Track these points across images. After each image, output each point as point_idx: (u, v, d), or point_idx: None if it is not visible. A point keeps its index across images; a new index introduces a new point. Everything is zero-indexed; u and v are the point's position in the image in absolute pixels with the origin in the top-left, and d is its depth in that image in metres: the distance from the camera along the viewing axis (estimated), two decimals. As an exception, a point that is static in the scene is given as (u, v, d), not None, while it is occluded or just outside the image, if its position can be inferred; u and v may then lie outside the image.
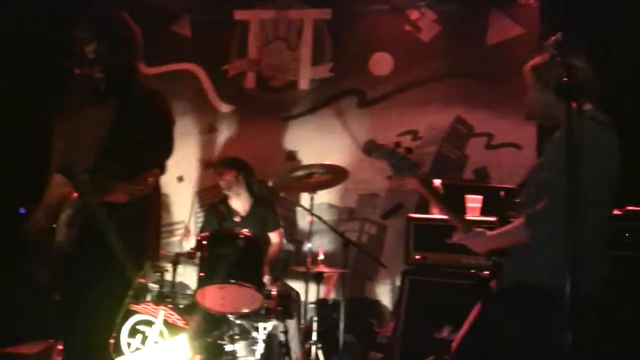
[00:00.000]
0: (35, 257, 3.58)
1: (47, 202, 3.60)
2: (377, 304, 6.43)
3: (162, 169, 3.41)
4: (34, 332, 5.51)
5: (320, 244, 6.11)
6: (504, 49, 6.30)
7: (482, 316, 3.19)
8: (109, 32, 3.48)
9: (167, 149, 3.50)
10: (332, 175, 5.42)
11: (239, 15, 7.03)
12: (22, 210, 5.16)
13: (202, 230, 5.99)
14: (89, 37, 3.47)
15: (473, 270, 3.51)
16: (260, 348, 5.21)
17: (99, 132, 3.40)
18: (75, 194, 3.46)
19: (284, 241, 6.24)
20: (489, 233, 3.18)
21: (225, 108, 6.98)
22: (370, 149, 3.56)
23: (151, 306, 5.01)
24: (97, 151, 3.37)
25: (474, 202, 5.02)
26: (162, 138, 3.48)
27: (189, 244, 5.53)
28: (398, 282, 5.98)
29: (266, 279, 5.25)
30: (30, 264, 3.58)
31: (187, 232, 5.67)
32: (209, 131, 6.99)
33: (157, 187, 3.56)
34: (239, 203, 5.85)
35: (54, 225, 3.44)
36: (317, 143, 6.67)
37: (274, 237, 5.88)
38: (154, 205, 3.50)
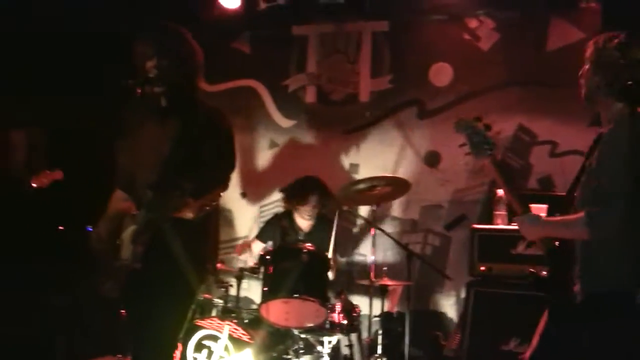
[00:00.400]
0: (102, 272, 3.66)
1: (108, 215, 3.69)
2: (442, 316, 6.36)
3: (225, 186, 3.44)
4: (104, 348, 5.62)
5: (383, 257, 6.09)
6: (565, 54, 6.17)
7: (552, 330, 3.11)
8: (170, 48, 3.53)
9: (230, 166, 3.54)
10: (394, 188, 5.40)
11: (298, 30, 7.08)
12: (89, 228, 5.27)
13: (258, 237, 6.01)
14: (151, 53, 3.53)
15: (532, 270, 3.39)
16: (325, 362, 5.22)
17: (160, 149, 3.45)
18: (135, 210, 3.54)
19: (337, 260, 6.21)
20: (546, 218, 3.11)
21: (286, 123, 7.02)
22: (456, 124, 3.46)
23: (216, 321, 5.06)
24: (160, 168, 3.42)
25: (539, 212, 4.93)
26: (225, 155, 3.52)
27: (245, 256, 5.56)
28: (463, 294, 5.93)
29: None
30: (97, 279, 3.66)
31: (244, 246, 5.70)
32: (271, 147, 7.04)
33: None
34: (304, 221, 5.83)
35: (118, 241, 3.51)
36: (378, 155, 6.65)
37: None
38: (213, 219, 3.55)
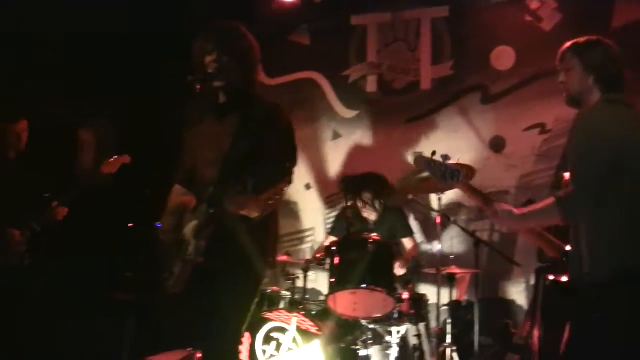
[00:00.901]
0: (168, 266, 3.68)
1: (169, 210, 3.72)
2: (511, 304, 6.27)
3: (289, 180, 3.40)
4: (175, 341, 5.69)
5: (450, 245, 6.02)
6: (630, 32, 5.99)
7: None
8: (229, 44, 3.54)
9: (292, 159, 3.52)
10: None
11: (356, 20, 7.05)
12: (158, 225, 5.35)
13: (330, 233, 6.03)
14: (210, 49, 3.55)
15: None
16: (394, 352, 5.19)
17: (220, 145, 3.47)
18: (194, 203, 3.57)
19: (418, 244, 6.19)
20: (517, 211, 3.14)
21: (348, 114, 7.00)
22: (414, 161, 3.63)
23: (284, 313, 5.09)
24: (221, 164, 3.44)
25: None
26: (286, 149, 3.50)
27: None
28: (532, 281, 5.84)
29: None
30: (164, 273, 3.69)
31: (321, 250, 5.73)
32: (334, 138, 7.03)
33: None
34: (368, 212, 5.82)
35: (181, 237, 3.54)
36: (441, 143, 6.56)
37: (407, 243, 5.83)
38: (274, 213, 3.54)
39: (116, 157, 5.23)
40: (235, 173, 3.31)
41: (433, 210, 5.62)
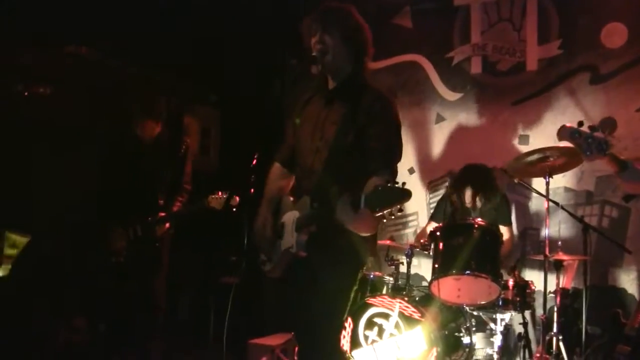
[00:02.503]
0: (265, 251, 3.70)
1: (268, 196, 3.72)
2: (622, 292, 6.04)
3: (394, 174, 3.29)
4: (279, 324, 5.76)
5: (557, 231, 5.85)
6: None
7: None
8: (333, 24, 3.50)
9: (399, 154, 3.45)
10: (568, 158, 5.14)
11: (459, 0, 6.90)
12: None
13: (432, 218, 5.96)
14: (314, 30, 3.53)
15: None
16: (498, 340, 5.13)
17: (326, 133, 3.44)
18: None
19: (516, 235, 6.06)
20: None
21: (452, 96, 6.88)
22: (558, 132, 3.47)
23: (387, 299, 5.06)
24: (327, 155, 3.42)
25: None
26: (395, 142, 3.43)
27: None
28: (645, 268, 5.65)
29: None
30: (261, 258, 3.72)
31: (421, 235, 5.67)
32: (437, 121, 6.93)
33: None
34: (470, 197, 5.72)
35: (281, 223, 3.55)
36: (549, 125, 6.36)
37: (505, 232, 5.70)
38: None
39: (224, 196, 5.23)
40: (342, 167, 3.27)
41: (540, 194, 5.46)
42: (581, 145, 3.34)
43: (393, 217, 2.99)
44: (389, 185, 2.90)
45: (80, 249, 5.76)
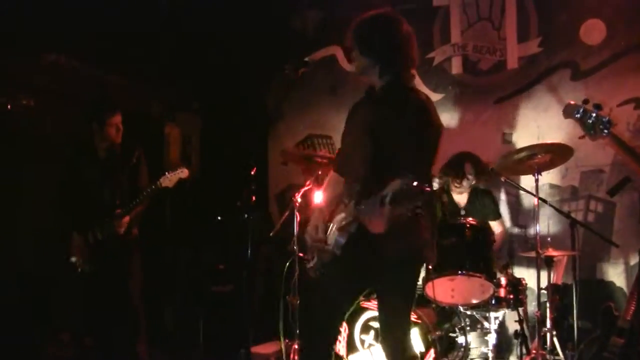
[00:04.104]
0: (311, 251, 3.72)
1: (327, 202, 3.71)
2: (611, 285, 6.09)
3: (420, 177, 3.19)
4: (271, 333, 5.73)
5: (547, 227, 5.87)
6: None
7: None
8: (354, 38, 3.58)
9: (433, 160, 3.52)
10: (555, 155, 5.17)
11: (439, 1, 6.92)
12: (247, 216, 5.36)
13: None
14: (352, 38, 3.59)
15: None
16: (492, 338, 5.13)
17: (367, 140, 3.44)
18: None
19: (506, 227, 6.08)
20: None
21: (434, 97, 6.82)
22: (564, 109, 3.51)
23: (382, 302, 5.03)
24: (372, 158, 3.41)
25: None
26: (434, 148, 3.49)
27: None
28: (632, 261, 5.67)
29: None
30: (310, 260, 3.72)
31: None
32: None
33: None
34: (460, 196, 5.73)
35: (330, 226, 3.56)
36: (532, 122, 6.42)
37: (496, 226, 5.72)
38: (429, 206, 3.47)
39: (174, 172, 5.20)
40: (380, 173, 3.26)
41: (527, 192, 5.47)
42: (585, 123, 3.37)
43: (410, 214, 3.07)
44: (412, 183, 2.96)
45: (49, 260, 5.70)
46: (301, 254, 4.62)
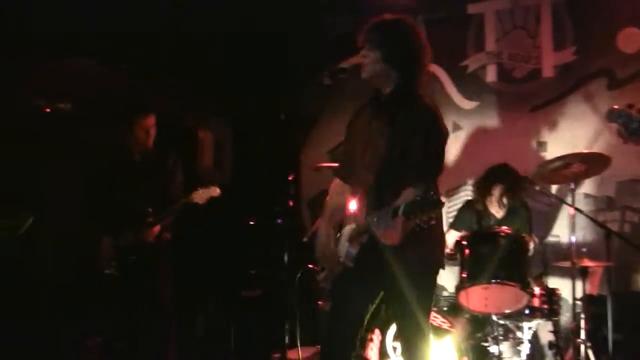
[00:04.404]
0: (322, 261, 3.70)
1: (330, 210, 3.71)
2: (646, 297, 6.01)
3: (431, 187, 3.14)
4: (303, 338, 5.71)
5: (582, 237, 5.81)
6: None
7: None
8: (379, 40, 3.49)
9: (438, 167, 3.41)
10: (591, 164, 5.12)
11: (473, 9, 6.88)
12: (279, 221, 5.36)
13: (452, 226, 5.89)
14: (364, 45, 3.54)
15: None
16: (525, 349, 5.08)
17: (376, 148, 3.42)
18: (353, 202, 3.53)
19: (537, 242, 6.01)
20: None
21: (468, 105, 6.86)
22: (607, 113, 3.46)
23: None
24: (378, 170, 3.39)
25: None
26: (435, 155, 3.38)
27: None
28: (669, 273, 5.60)
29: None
30: (318, 269, 3.70)
31: None
32: (454, 130, 6.87)
33: None
34: (496, 205, 5.67)
35: (339, 235, 3.53)
36: (567, 131, 6.35)
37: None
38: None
39: (206, 189, 5.20)
40: (392, 180, 3.23)
41: (565, 202, 5.41)
42: (628, 127, 3.31)
43: (425, 226, 2.98)
44: (425, 194, 2.91)
45: (79, 263, 5.74)
46: (311, 265, 4.59)
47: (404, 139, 3.31)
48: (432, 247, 3.42)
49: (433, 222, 2.98)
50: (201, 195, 5.15)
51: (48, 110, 5.68)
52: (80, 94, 6.00)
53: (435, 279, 3.58)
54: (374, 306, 3.68)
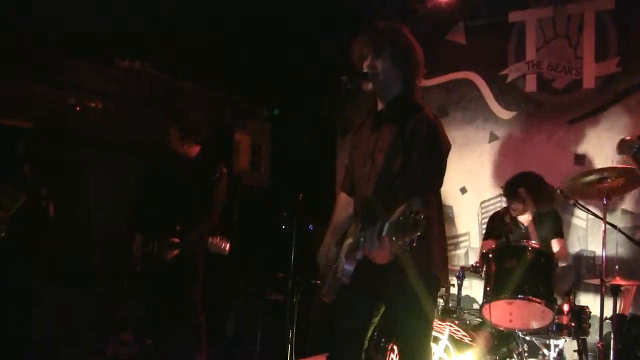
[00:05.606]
0: (323, 275, 3.67)
1: (335, 225, 3.67)
2: (682, 319, 5.82)
3: (427, 203, 3.05)
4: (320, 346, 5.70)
5: (614, 254, 5.67)
6: None
7: None
8: (388, 47, 3.42)
9: (436, 181, 3.35)
10: (628, 179, 4.96)
11: (514, 17, 6.76)
12: (310, 227, 5.34)
13: (485, 238, 5.82)
14: (365, 50, 3.47)
15: None
16: (550, 366, 4.98)
17: (375, 160, 3.38)
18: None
19: (569, 252, 5.88)
20: None
21: (506, 115, 6.74)
22: (618, 145, 3.32)
23: (437, 322, 4.92)
24: (375, 183, 3.35)
25: None
26: (433, 169, 3.31)
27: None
28: None
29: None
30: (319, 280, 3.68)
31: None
32: (491, 140, 6.79)
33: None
34: (524, 215, 5.57)
35: (340, 250, 3.50)
36: (606, 145, 6.18)
37: (555, 244, 5.52)
38: (435, 224, 3.37)
39: (219, 245, 5.19)
40: (390, 194, 3.18)
41: (598, 216, 5.28)
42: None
43: (407, 248, 2.87)
44: (408, 214, 2.79)
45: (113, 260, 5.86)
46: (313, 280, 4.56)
47: (403, 152, 3.25)
48: (429, 264, 3.33)
49: (414, 244, 2.84)
50: (213, 246, 5.16)
51: (78, 109, 5.76)
52: (117, 94, 6.09)
53: (434, 297, 3.54)
54: (379, 317, 3.61)
